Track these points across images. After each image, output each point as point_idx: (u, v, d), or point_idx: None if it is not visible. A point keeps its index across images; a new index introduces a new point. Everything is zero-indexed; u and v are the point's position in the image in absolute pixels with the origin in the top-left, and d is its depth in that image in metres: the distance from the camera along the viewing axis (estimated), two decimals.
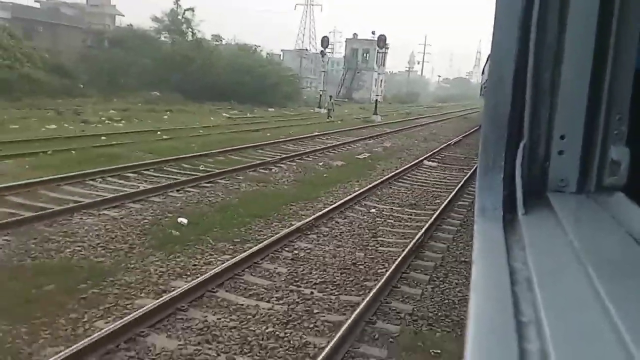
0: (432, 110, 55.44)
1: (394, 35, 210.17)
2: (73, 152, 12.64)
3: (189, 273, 5.89)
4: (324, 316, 5.07)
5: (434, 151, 17.73)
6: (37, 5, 47.39)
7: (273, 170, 12.61)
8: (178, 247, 6.67)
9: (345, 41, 66.79)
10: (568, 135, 0.96)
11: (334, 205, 9.03)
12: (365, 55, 63.82)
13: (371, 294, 5.35)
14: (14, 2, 39.16)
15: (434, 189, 11.67)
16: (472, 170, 13.31)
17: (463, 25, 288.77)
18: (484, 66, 22.66)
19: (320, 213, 8.46)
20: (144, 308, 4.65)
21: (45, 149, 12.55)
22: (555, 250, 0.80)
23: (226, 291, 5.51)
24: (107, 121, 20.94)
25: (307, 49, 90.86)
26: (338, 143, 18.44)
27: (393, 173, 12.85)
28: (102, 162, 11.41)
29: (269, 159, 13.58)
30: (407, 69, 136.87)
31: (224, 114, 28.54)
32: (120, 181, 10.14)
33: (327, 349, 4.22)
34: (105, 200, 8.30)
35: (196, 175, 11.00)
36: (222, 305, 5.18)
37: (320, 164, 14.00)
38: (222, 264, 6.04)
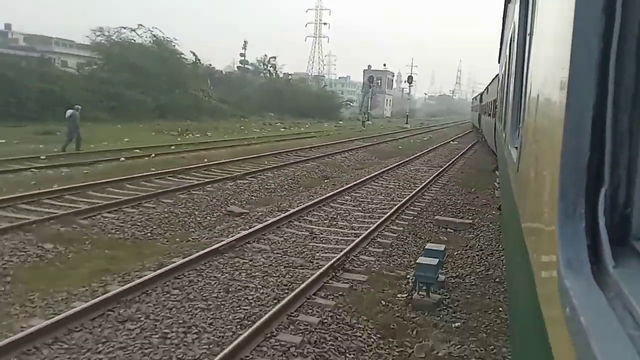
0: (432, 122, 75.38)
1: (383, 59, 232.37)
2: (278, 141, 31.19)
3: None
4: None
5: (452, 138, 37.08)
6: None
7: (383, 141, 31.67)
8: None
9: (363, 71, 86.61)
10: None
11: (411, 157, 27.95)
12: (378, 81, 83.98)
13: (451, 160, 24.46)
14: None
15: (457, 150, 30.70)
16: (470, 143, 32.55)
17: (444, 44, 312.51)
18: (488, 85, 25.51)
19: (407, 159, 27.36)
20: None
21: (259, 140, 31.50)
22: None
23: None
24: (268, 127, 39.80)
25: (323, 75, 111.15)
26: (397, 137, 37.60)
27: (439, 144, 31.92)
28: (278, 145, 30.27)
29: (361, 142, 32.64)
30: (398, 89, 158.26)
31: (309, 124, 47.47)
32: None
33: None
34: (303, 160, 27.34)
35: (361, 142, 29.96)
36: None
37: (393, 144, 33.09)
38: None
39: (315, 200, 11.69)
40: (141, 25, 41.84)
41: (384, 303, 6.31)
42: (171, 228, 9.25)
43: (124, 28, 41.36)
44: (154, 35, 42.14)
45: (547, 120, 1.29)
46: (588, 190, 0.92)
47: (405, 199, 12.36)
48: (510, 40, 4.90)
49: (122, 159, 16.33)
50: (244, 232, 8.73)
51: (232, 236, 8.46)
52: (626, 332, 0.69)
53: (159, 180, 13.06)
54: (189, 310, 5.71)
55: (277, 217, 9.87)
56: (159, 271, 6.57)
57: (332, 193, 12.58)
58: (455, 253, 8.61)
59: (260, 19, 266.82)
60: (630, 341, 0.67)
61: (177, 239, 8.65)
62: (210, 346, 4.91)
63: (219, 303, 5.96)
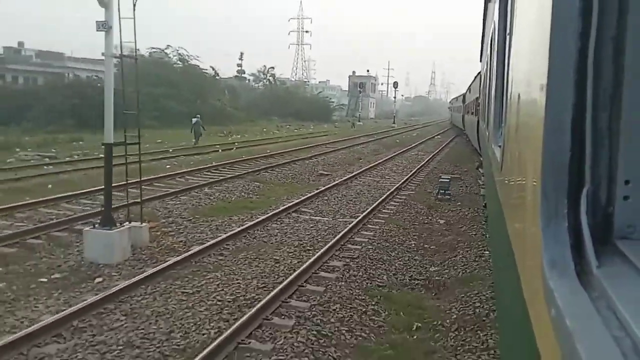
0: (413, 122, 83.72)
1: (359, 62, 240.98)
2: (304, 138, 38.88)
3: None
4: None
5: (436, 134, 45.14)
6: None
7: (367, 141, 39.51)
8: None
9: (348, 77, 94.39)
10: (633, 180, 0.91)
11: (409, 147, 35.86)
12: (362, 86, 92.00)
13: (442, 146, 32.37)
14: None
15: (441, 142, 38.64)
16: (451, 138, 40.56)
17: (417, 45, 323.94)
18: (470, 84, 24.97)
19: (407, 148, 35.26)
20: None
21: (278, 139, 39.13)
22: None
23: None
24: (282, 129, 47.28)
25: (307, 81, 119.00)
26: (390, 134, 45.50)
27: (427, 138, 39.86)
28: (306, 141, 37.98)
29: (365, 139, 40.45)
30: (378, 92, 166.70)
31: (312, 126, 55.06)
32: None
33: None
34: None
35: (353, 140, 37.73)
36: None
37: (392, 139, 40.95)
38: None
39: (364, 169, 19.33)
40: (169, 45, 49.07)
41: (425, 199, 14.04)
42: (300, 178, 16.84)
43: (154, 48, 48.45)
44: (179, 54, 49.30)
45: (528, 119, 1.29)
46: (570, 190, 0.92)
47: (417, 167, 20.15)
48: (491, 40, 4.94)
49: (219, 150, 23.77)
50: (338, 180, 16.29)
51: (332, 183, 16.01)
52: (610, 333, 0.70)
53: (263, 160, 20.53)
54: (338, 202, 13.25)
55: (349, 176, 17.42)
56: (310, 193, 14.08)
57: (369, 166, 20.21)
58: (451, 188, 16.37)
59: (244, 26, 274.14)
60: (615, 342, 0.68)
61: (303, 183, 16.17)
62: (368, 203, 12.48)
63: (347, 199, 13.53)
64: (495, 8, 3.98)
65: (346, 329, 5.86)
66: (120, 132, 8.81)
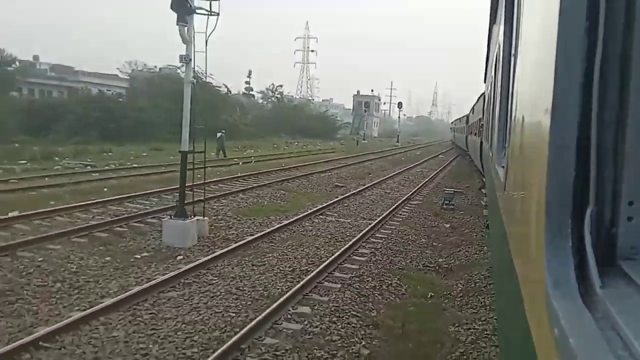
0: (416, 141, 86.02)
1: (362, 81, 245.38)
2: (314, 154, 41.00)
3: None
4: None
5: (439, 153, 47.28)
6: None
7: (373, 159, 41.61)
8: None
9: (353, 96, 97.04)
10: (637, 201, 0.91)
11: (414, 164, 37.96)
12: (366, 105, 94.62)
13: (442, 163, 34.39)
14: None
15: (444, 161, 40.73)
16: (452, 157, 42.65)
17: (420, 66, 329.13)
18: (474, 105, 25.07)
19: (412, 165, 37.36)
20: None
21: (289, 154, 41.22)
22: None
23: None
24: (292, 145, 49.41)
25: (312, 99, 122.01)
26: (395, 152, 47.65)
27: (430, 157, 41.97)
28: (317, 157, 40.11)
29: (372, 156, 42.57)
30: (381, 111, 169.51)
31: (320, 143, 57.27)
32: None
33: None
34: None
35: (361, 158, 39.83)
36: None
37: (396, 157, 43.04)
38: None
39: (374, 182, 21.32)
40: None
41: (432, 207, 16.00)
42: (318, 188, 18.82)
43: (170, 65, 50.93)
44: (195, 72, 51.82)
45: (533, 139, 1.28)
46: (574, 210, 0.92)
47: (423, 182, 22.16)
48: (496, 61, 5.07)
49: (239, 163, 25.82)
50: (353, 191, 18.25)
51: (347, 193, 17.96)
52: (614, 353, 0.70)
53: (282, 172, 22.54)
54: (357, 208, 15.19)
55: (362, 188, 19.38)
56: (331, 201, 16.04)
57: (379, 180, 22.20)
58: (454, 200, 18.33)
59: (251, 44, 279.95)
60: None
61: (322, 192, 18.13)
62: (382, 209, 14.42)
63: (364, 206, 15.47)
64: (500, 30, 4.13)
65: (378, 293, 7.80)
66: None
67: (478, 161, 17.53)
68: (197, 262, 8.22)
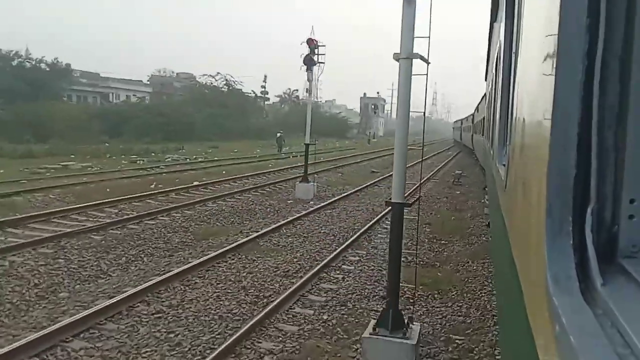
0: (419, 139, 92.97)
1: (363, 81, 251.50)
2: (340, 151, 47.75)
3: None
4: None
5: (442, 150, 54.10)
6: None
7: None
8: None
9: (360, 98, 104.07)
10: (638, 199, 0.92)
11: (428, 156, 44.84)
12: (373, 106, 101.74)
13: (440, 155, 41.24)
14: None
15: (449, 155, 47.48)
16: (456, 152, 49.48)
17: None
18: (478, 104, 25.52)
19: (428, 156, 44.23)
20: None
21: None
22: None
23: None
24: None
25: (321, 100, 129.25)
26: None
27: (436, 152, 48.72)
28: (343, 152, 46.84)
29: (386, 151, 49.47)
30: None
31: (337, 143, 64.00)
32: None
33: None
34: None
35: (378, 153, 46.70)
36: None
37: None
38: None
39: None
40: (219, 72, 59.06)
41: (446, 184, 23.00)
42: (361, 172, 25.78)
43: (204, 75, 58.28)
44: (226, 79, 59.04)
45: (534, 138, 1.29)
46: (575, 207, 0.92)
47: (435, 170, 29.10)
48: (497, 59, 4.99)
49: (290, 157, 32.74)
50: (387, 175, 25.10)
51: (384, 175, 24.82)
52: (615, 350, 0.71)
53: (325, 163, 29.43)
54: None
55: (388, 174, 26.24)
56: (376, 179, 22.95)
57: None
58: (462, 179, 25.27)
59: (259, 49, 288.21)
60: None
61: (365, 174, 25.00)
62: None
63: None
64: (501, 28, 4.09)
65: (428, 213, 14.73)
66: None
67: (483, 160, 17.72)
68: (317, 207, 15.24)
